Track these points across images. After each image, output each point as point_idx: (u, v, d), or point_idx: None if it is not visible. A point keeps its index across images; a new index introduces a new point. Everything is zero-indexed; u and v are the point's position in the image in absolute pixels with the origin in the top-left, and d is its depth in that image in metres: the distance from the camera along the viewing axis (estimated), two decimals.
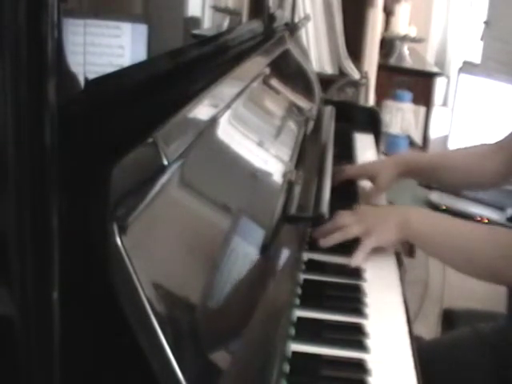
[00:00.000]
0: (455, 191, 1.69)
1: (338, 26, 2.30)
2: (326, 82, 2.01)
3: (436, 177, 1.39)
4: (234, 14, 1.24)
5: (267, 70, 1.15)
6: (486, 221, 1.69)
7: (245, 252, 0.70)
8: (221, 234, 0.65)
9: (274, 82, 1.19)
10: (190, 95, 0.69)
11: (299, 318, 0.87)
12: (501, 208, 1.72)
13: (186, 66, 0.82)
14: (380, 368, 0.79)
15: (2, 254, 0.42)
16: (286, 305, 0.82)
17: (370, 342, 0.83)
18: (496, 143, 1.32)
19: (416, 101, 2.86)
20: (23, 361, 0.43)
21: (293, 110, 1.26)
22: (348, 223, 1.04)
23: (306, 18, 2.20)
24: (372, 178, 1.34)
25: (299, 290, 0.93)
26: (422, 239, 1.03)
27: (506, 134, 1.31)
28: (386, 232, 1.03)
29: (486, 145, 1.35)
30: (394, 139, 2.63)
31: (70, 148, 0.45)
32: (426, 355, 0.90)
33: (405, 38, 3.23)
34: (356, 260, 1.01)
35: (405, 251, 2.02)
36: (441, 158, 1.40)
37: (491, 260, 0.98)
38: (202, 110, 0.70)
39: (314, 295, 0.93)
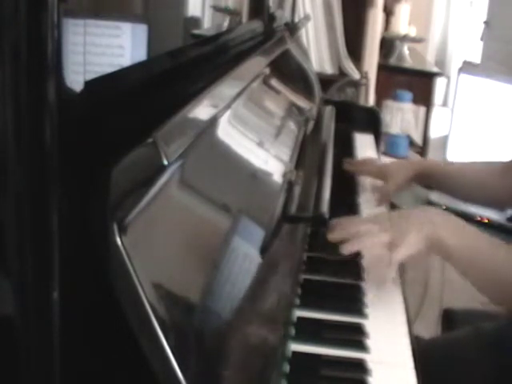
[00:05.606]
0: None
1: (338, 26, 2.30)
2: (326, 82, 2.02)
3: (451, 187, 1.37)
4: (233, 14, 1.24)
5: (267, 70, 1.15)
6: (486, 221, 1.69)
7: (245, 252, 0.70)
8: (221, 234, 0.65)
9: (274, 82, 1.19)
10: (190, 95, 0.69)
11: (299, 318, 0.87)
12: None
13: (185, 66, 0.82)
14: (380, 368, 0.79)
15: (2, 254, 0.42)
16: (286, 305, 0.82)
17: (370, 342, 0.83)
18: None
19: (416, 101, 2.85)
20: (23, 361, 0.43)
21: (293, 109, 1.26)
22: (368, 230, 0.95)
23: (306, 17, 2.21)
24: (384, 179, 1.34)
25: (299, 290, 0.93)
26: (449, 255, 0.95)
27: None
28: (414, 242, 0.94)
29: (502, 162, 1.34)
30: (394, 139, 2.62)
31: (69, 148, 0.45)
32: (426, 355, 0.90)
33: (405, 38, 3.23)
34: (390, 275, 0.94)
35: None
36: (457, 170, 1.39)
37: None
38: (201, 110, 0.70)
39: (314, 295, 0.93)
